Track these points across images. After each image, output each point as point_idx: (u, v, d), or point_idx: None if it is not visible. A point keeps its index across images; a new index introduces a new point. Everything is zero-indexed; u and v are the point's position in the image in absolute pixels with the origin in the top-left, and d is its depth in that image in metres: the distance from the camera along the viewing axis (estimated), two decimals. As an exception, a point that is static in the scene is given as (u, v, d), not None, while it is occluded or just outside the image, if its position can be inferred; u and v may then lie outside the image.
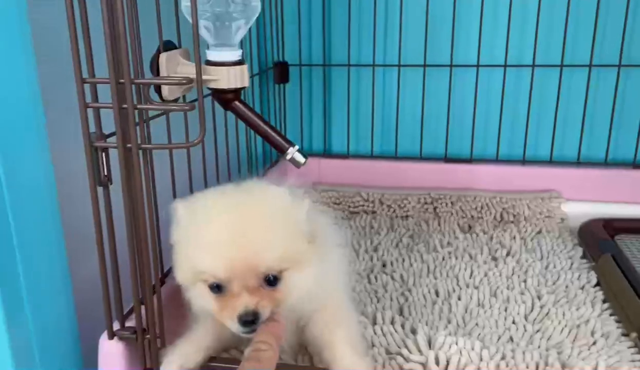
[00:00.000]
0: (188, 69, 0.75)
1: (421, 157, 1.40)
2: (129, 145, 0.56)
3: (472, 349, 0.76)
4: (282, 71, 1.38)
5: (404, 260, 1.10)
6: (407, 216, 1.31)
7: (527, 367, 0.73)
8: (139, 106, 0.55)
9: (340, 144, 1.47)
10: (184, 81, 0.54)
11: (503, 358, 0.75)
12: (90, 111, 0.57)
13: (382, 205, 1.33)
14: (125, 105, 0.55)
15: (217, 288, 0.60)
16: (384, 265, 1.09)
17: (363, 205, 1.35)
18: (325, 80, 1.43)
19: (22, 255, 0.58)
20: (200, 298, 0.63)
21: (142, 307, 0.65)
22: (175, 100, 0.77)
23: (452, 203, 1.30)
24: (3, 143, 0.54)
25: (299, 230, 0.62)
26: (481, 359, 0.75)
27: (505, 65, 1.29)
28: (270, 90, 1.37)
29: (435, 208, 1.31)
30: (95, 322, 0.68)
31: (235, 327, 0.59)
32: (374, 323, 0.85)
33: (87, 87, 0.56)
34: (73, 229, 0.68)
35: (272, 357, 0.56)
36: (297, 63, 1.40)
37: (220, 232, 0.59)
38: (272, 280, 0.60)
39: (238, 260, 0.58)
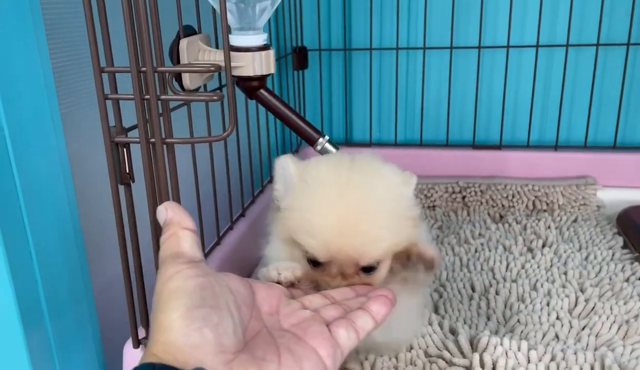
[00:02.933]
0: (210, 56, 0.70)
1: (448, 144, 1.34)
2: (152, 139, 0.51)
3: (519, 349, 0.71)
4: (300, 57, 1.32)
5: (434, 253, 1.04)
6: (434, 206, 1.26)
7: (581, 370, 0.68)
8: (162, 97, 0.50)
9: (362, 132, 1.42)
10: (212, 68, 0.49)
11: (553, 359, 0.70)
12: (109, 104, 0.52)
13: (408, 195, 1.27)
14: (147, 96, 0.50)
15: (313, 261, 0.58)
16: (413, 259, 1.04)
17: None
18: (346, 66, 1.37)
19: (39, 261, 0.54)
20: (294, 259, 0.59)
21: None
22: (197, 90, 0.72)
23: (481, 192, 1.24)
24: (15, 140, 0.50)
25: (409, 218, 0.59)
26: (529, 361, 0.70)
27: (537, 46, 1.23)
28: (288, 77, 1.32)
29: (464, 197, 1.25)
30: (119, 328, 0.64)
31: None
32: (410, 322, 0.80)
33: (105, 77, 0.51)
34: (94, 230, 0.64)
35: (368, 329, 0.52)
36: (317, 48, 1.34)
37: (330, 217, 0.55)
38: (369, 269, 0.58)
39: (342, 252, 0.55)
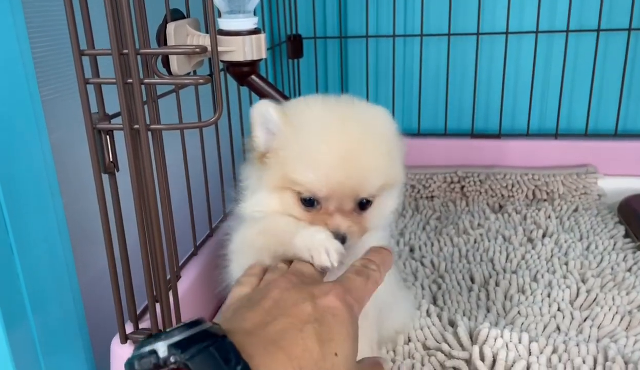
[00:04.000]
0: (199, 40, 0.68)
1: (446, 133, 1.32)
2: (136, 126, 0.49)
3: (520, 341, 0.69)
4: (295, 45, 1.30)
5: (432, 244, 1.03)
6: (432, 197, 1.24)
7: (584, 362, 0.66)
8: (145, 81, 0.48)
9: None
10: (197, 50, 0.47)
11: (554, 351, 0.68)
12: (91, 89, 0.49)
13: (405, 186, 1.25)
14: (130, 80, 0.47)
15: (308, 201, 0.57)
16: (411, 250, 1.02)
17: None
18: (341, 54, 1.35)
19: (20, 253, 0.52)
20: (284, 205, 0.58)
21: (157, 305, 0.58)
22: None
23: (480, 181, 1.22)
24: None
25: (400, 153, 0.60)
26: (530, 353, 0.68)
27: (537, 31, 1.20)
28: (283, 66, 1.29)
29: (462, 187, 1.23)
30: (106, 323, 0.62)
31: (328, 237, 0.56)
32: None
33: (86, 60, 0.49)
34: (80, 221, 0.61)
35: (378, 280, 0.52)
36: (312, 36, 1.32)
37: (330, 151, 0.55)
38: (364, 204, 0.58)
39: (343, 184, 0.55)
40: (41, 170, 0.54)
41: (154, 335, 0.37)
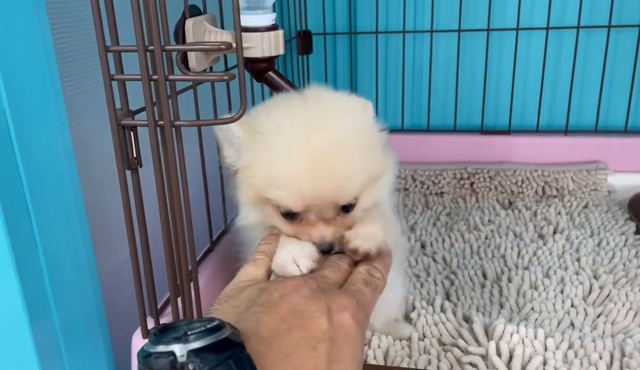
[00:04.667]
0: (217, 36, 0.67)
1: (455, 130, 1.32)
2: (160, 122, 0.49)
3: (535, 337, 0.70)
4: (305, 41, 1.30)
5: (444, 240, 1.03)
6: (442, 193, 1.24)
7: (601, 358, 0.66)
8: (171, 77, 0.48)
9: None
10: (223, 46, 0.47)
11: (570, 347, 0.69)
12: (115, 85, 0.49)
13: (415, 182, 1.26)
14: (155, 77, 0.47)
15: (288, 215, 0.54)
16: (422, 246, 1.02)
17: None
18: (351, 50, 1.34)
19: (44, 249, 0.52)
20: (267, 218, 0.56)
21: (179, 300, 0.59)
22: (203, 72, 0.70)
23: (490, 178, 1.22)
24: (18, 126, 0.48)
25: (377, 144, 0.56)
26: (546, 349, 0.69)
27: (547, 28, 1.20)
28: (293, 61, 1.29)
29: (472, 183, 1.23)
30: (124, 317, 0.62)
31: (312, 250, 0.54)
32: (419, 311, 0.79)
33: (110, 58, 0.49)
34: (101, 216, 0.61)
35: (382, 289, 0.52)
36: (321, 32, 1.31)
37: (298, 163, 0.51)
38: (348, 207, 0.54)
39: (318, 197, 0.52)
40: (63, 166, 0.55)
41: (169, 328, 0.36)
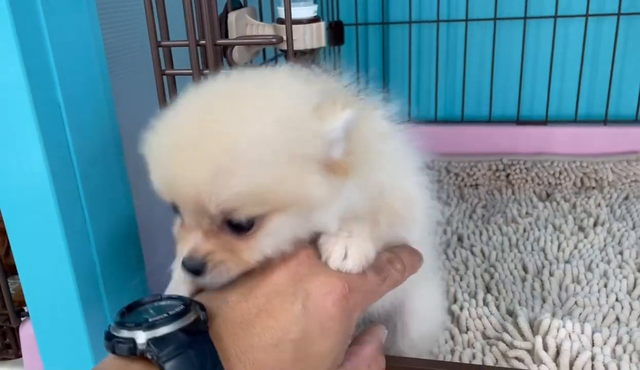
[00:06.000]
0: (259, 29, 0.67)
1: (490, 120, 1.30)
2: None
3: (582, 332, 0.68)
4: (336, 32, 1.28)
5: (481, 233, 1.01)
6: (476, 185, 1.22)
7: (652, 354, 0.64)
8: (222, 71, 0.47)
9: (400, 108, 1.38)
10: (274, 40, 0.46)
11: (619, 342, 0.67)
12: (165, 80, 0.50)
13: (449, 174, 1.24)
14: (206, 71, 0.47)
15: (175, 209, 0.41)
16: (459, 239, 1.01)
17: (428, 175, 1.26)
18: (383, 40, 1.33)
19: (96, 242, 0.53)
20: None
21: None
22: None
23: (526, 169, 1.20)
24: (72, 120, 0.48)
25: (305, 154, 0.38)
26: (593, 344, 0.67)
27: (586, 15, 1.17)
28: (324, 53, 1.28)
29: (507, 175, 1.21)
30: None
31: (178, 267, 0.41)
32: (461, 304, 0.78)
33: (161, 52, 0.49)
34: (146, 211, 0.62)
35: (398, 282, 0.45)
36: (353, 22, 1.30)
37: (166, 138, 0.39)
38: (239, 226, 0.39)
39: (178, 187, 0.39)
40: (113, 164, 0.55)
41: (136, 306, 0.36)
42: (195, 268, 0.39)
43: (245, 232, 0.39)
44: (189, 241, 0.39)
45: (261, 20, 0.77)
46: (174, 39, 0.49)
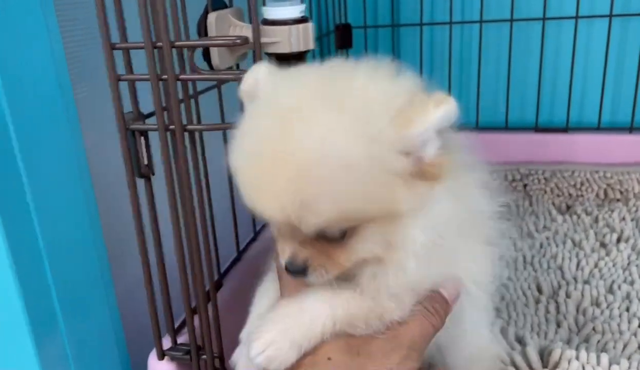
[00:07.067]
0: (243, 31, 0.62)
1: (507, 127, 1.25)
2: (171, 126, 0.44)
3: (598, 364, 0.62)
4: (344, 35, 1.24)
5: (493, 248, 0.95)
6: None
7: (677, 393, 0.57)
8: (182, 77, 0.43)
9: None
10: (238, 41, 0.42)
11: (639, 378, 0.60)
12: (124, 86, 0.45)
13: (462, 183, 1.17)
14: (165, 77, 0.42)
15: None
16: (470, 254, 0.94)
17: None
18: (393, 43, 1.28)
19: (51, 264, 0.48)
20: None
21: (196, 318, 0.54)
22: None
23: (545, 179, 1.14)
24: (22, 134, 0.44)
25: (393, 169, 0.38)
26: (610, 378, 0.60)
27: (610, 15, 1.10)
28: (331, 56, 1.23)
29: (525, 185, 1.15)
30: (145, 336, 0.58)
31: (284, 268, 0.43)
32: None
33: (118, 55, 0.45)
34: (117, 227, 0.58)
35: (437, 326, 0.45)
36: (362, 25, 1.25)
37: (247, 156, 0.39)
38: (332, 237, 0.40)
39: (267, 210, 0.39)
40: (74, 173, 0.51)
41: None
42: (298, 270, 0.41)
43: (339, 241, 0.40)
44: (286, 249, 0.42)
45: (250, 21, 0.73)
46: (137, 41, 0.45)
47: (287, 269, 0.42)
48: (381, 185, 0.38)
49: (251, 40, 0.43)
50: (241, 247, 0.73)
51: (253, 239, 0.76)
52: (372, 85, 0.40)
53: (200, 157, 0.48)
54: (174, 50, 0.43)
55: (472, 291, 0.52)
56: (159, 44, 0.42)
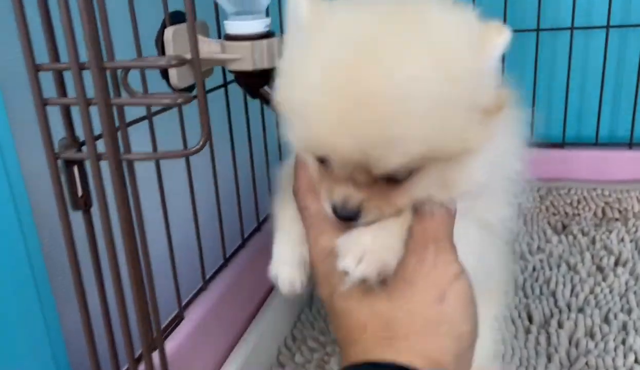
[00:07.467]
0: (205, 48, 0.58)
1: (500, 142, 1.18)
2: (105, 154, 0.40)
3: (589, 408, 0.57)
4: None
5: (483, 271, 0.90)
6: (484, 213, 1.11)
7: None
8: (114, 101, 0.38)
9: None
10: (174, 62, 0.37)
11: (634, 423, 0.55)
12: (53, 111, 0.41)
13: (454, 201, 1.13)
14: (94, 100, 0.38)
15: (322, 159, 0.40)
16: (458, 278, 0.90)
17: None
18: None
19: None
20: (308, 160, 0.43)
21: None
22: (189, 89, 0.61)
23: (540, 197, 1.11)
24: None
25: (476, 107, 0.37)
26: (602, 424, 0.55)
27: (607, 26, 1.06)
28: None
29: (518, 204, 1.09)
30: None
31: (329, 212, 0.41)
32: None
33: (45, 77, 0.40)
34: (60, 262, 0.53)
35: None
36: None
37: (324, 89, 0.36)
38: (395, 178, 0.39)
39: (337, 147, 0.37)
40: (9, 205, 0.47)
41: None
42: (348, 215, 0.40)
43: (397, 183, 0.39)
44: (339, 192, 0.40)
45: (219, 36, 0.69)
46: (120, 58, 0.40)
47: (334, 212, 0.40)
48: (464, 122, 0.37)
49: (211, 57, 0.38)
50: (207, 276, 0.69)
51: (241, 246, 0.74)
52: (446, 17, 0.39)
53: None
54: (106, 71, 0.39)
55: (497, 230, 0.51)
56: (87, 65, 0.38)
